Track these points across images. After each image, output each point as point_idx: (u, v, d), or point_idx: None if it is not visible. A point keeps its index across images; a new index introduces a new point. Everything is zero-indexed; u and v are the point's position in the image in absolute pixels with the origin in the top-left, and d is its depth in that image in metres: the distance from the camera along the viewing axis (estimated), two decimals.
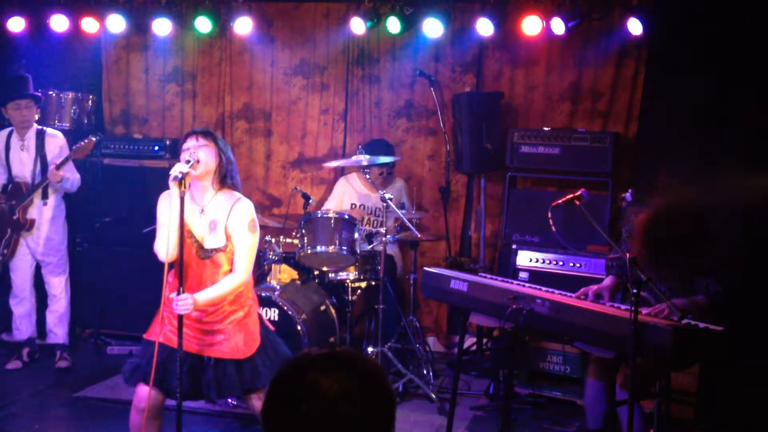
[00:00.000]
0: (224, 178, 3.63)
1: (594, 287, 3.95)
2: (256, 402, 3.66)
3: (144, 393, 3.53)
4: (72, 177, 5.43)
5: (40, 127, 5.51)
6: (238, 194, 3.69)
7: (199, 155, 3.54)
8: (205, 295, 3.52)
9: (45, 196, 5.45)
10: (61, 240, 5.57)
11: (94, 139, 5.28)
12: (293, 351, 4.53)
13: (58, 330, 5.58)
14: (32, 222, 5.45)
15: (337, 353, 1.60)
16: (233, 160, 3.69)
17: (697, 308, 3.69)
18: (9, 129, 5.49)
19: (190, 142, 3.58)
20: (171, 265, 3.59)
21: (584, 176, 5.57)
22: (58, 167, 5.22)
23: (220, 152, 3.61)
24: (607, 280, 4.07)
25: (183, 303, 3.42)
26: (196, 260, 3.62)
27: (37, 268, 5.62)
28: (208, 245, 3.61)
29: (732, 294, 3.77)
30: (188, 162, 3.48)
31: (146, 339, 3.65)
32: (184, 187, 3.40)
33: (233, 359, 3.60)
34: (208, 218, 3.62)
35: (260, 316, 3.82)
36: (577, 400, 4.88)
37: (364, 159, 5.19)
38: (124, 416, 4.64)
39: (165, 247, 3.51)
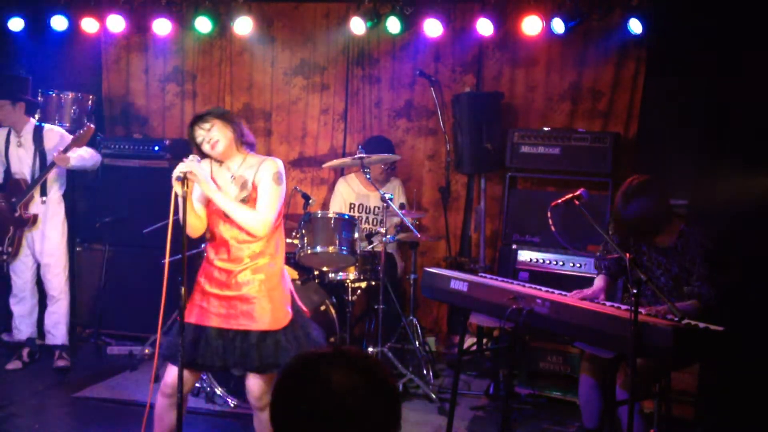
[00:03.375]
0: (243, 138, 3.68)
1: (588, 291, 3.95)
2: (257, 385, 3.60)
3: (173, 378, 3.53)
4: (86, 155, 5.39)
5: (38, 123, 5.51)
6: (267, 156, 3.74)
7: (214, 137, 3.57)
8: (220, 193, 3.51)
9: (44, 193, 5.45)
10: (59, 239, 5.53)
11: (93, 126, 5.29)
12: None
13: (57, 331, 5.56)
14: (35, 217, 5.43)
15: (343, 350, 1.64)
16: (237, 121, 3.70)
17: (696, 312, 3.70)
18: (8, 127, 5.50)
19: (201, 133, 3.59)
20: (203, 240, 3.69)
21: (584, 176, 5.56)
22: (64, 151, 5.21)
23: (226, 122, 3.62)
24: (599, 281, 4.07)
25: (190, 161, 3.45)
26: (223, 221, 3.61)
27: (38, 268, 5.61)
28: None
29: (724, 296, 3.78)
30: (193, 160, 3.49)
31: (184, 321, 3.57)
32: (187, 187, 3.41)
33: (258, 331, 3.57)
34: (239, 181, 3.65)
35: (293, 297, 3.77)
36: (577, 400, 4.88)
37: (364, 157, 5.19)
38: (124, 416, 4.67)
39: (188, 228, 3.54)
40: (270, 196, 3.57)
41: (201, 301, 3.61)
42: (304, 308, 3.85)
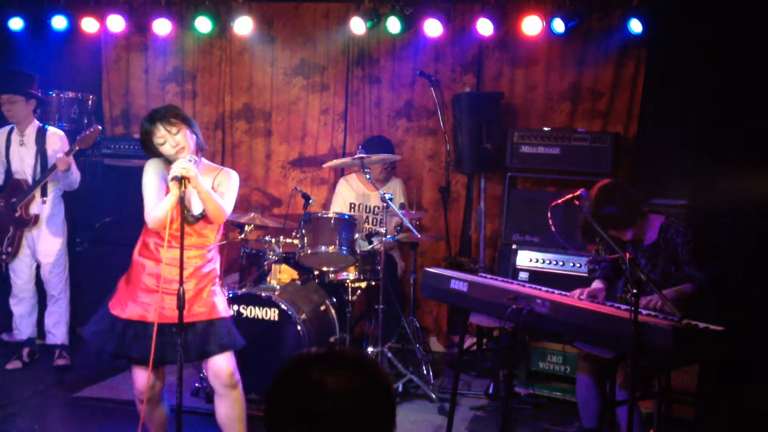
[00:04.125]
0: (201, 145, 3.75)
1: (587, 290, 3.95)
2: (224, 363, 3.67)
3: (142, 381, 3.66)
4: (75, 171, 5.41)
5: (41, 124, 5.51)
6: (221, 166, 3.87)
7: (178, 138, 3.60)
8: (203, 189, 3.54)
9: (44, 194, 5.44)
10: (60, 239, 5.53)
11: (99, 127, 5.29)
12: (293, 351, 4.54)
13: (57, 331, 5.56)
14: (36, 217, 5.43)
15: (337, 352, 1.62)
16: (195, 123, 3.75)
17: (686, 297, 3.71)
18: (11, 126, 5.50)
19: (162, 133, 3.59)
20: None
21: (584, 176, 5.56)
22: (68, 153, 5.20)
23: (192, 130, 3.67)
24: (598, 283, 4.07)
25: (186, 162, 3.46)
26: (185, 221, 3.63)
27: (37, 268, 5.61)
28: (196, 211, 3.66)
29: (724, 293, 3.80)
30: (191, 161, 3.50)
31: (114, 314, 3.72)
32: (184, 187, 3.43)
33: (209, 320, 3.65)
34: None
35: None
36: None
37: (364, 157, 5.19)
38: (123, 416, 4.67)
39: (153, 221, 3.64)
40: (230, 200, 3.73)
41: (144, 298, 3.64)
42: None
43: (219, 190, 3.71)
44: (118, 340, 3.63)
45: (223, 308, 3.76)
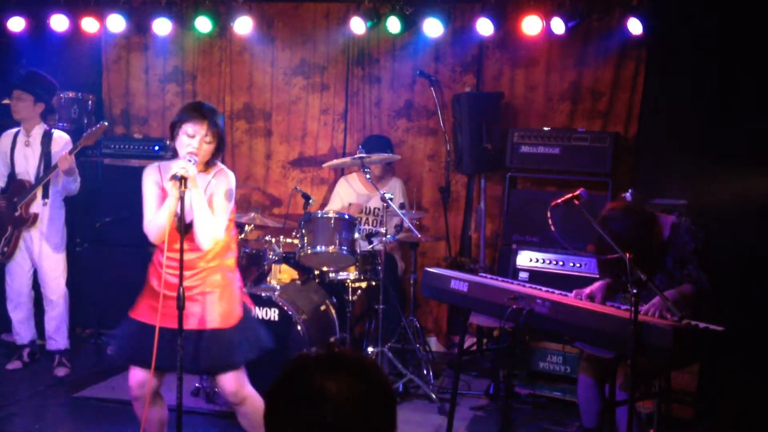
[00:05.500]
0: (222, 156, 3.65)
1: (586, 290, 3.94)
2: (228, 383, 3.59)
3: (136, 378, 3.59)
4: (77, 177, 5.40)
5: (48, 127, 5.49)
6: (220, 165, 3.67)
7: (203, 147, 3.49)
8: (199, 192, 3.44)
9: (45, 195, 5.41)
10: (59, 242, 5.47)
11: (105, 123, 5.26)
12: (293, 351, 4.54)
13: (57, 336, 5.51)
14: (35, 216, 5.37)
15: (337, 354, 1.61)
16: (224, 135, 3.64)
17: (686, 298, 3.69)
18: (18, 128, 5.48)
19: (193, 127, 3.47)
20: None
21: (584, 176, 5.57)
22: (72, 151, 5.17)
23: (219, 136, 3.55)
24: (600, 281, 4.06)
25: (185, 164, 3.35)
26: (175, 235, 3.52)
27: (35, 272, 5.54)
28: (188, 218, 3.51)
29: (724, 295, 3.78)
30: (190, 161, 3.42)
31: (131, 317, 3.66)
32: (185, 187, 3.35)
33: (210, 330, 3.54)
34: (207, 195, 3.59)
35: (244, 300, 3.77)
36: (577, 400, 4.87)
37: (364, 157, 5.19)
38: (123, 416, 4.66)
39: (155, 229, 3.53)
40: (221, 211, 3.54)
41: (152, 300, 3.57)
42: (252, 305, 3.89)
43: (215, 194, 3.55)
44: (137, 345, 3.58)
45: (231, 316, 3.59)
